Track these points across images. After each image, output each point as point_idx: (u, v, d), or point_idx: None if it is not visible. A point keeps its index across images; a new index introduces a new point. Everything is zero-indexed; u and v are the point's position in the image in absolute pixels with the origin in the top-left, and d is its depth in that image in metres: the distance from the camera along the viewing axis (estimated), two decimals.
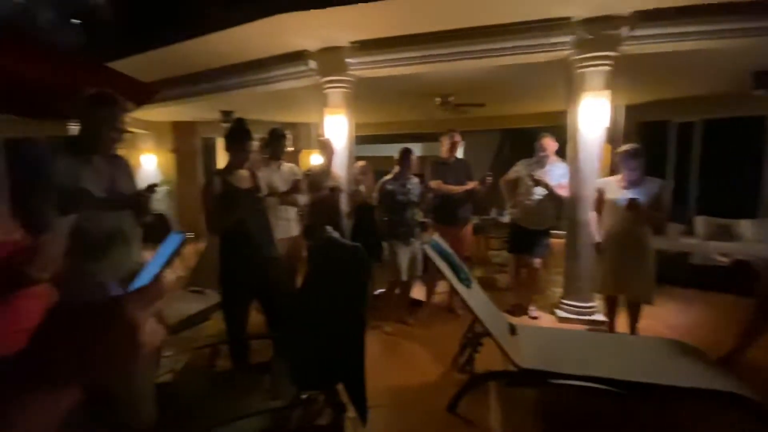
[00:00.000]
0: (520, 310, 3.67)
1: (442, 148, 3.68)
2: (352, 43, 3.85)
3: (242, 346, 2.14)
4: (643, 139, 5.31)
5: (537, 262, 3.55)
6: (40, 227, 1.45)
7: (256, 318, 2.39)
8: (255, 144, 2.08)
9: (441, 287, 3.81)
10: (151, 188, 1.79)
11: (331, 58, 3.98)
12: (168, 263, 0.43)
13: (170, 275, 0.41)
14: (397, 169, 3.35)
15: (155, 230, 5.22)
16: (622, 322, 3.04)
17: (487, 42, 3.53)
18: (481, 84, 4.70)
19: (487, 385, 2.39)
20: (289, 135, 3.05)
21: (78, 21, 5.74)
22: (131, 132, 1.75)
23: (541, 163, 3.46)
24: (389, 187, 3.29)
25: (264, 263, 2.11)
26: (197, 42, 3.94)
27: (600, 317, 3.40)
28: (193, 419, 1.54)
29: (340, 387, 1.58)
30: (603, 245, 2.88)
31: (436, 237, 2.86)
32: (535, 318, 3.61)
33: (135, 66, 4.56)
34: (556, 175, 3.44)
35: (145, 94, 2.60)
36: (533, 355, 2.15)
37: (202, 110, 6.22)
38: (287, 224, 3.01)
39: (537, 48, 3.46)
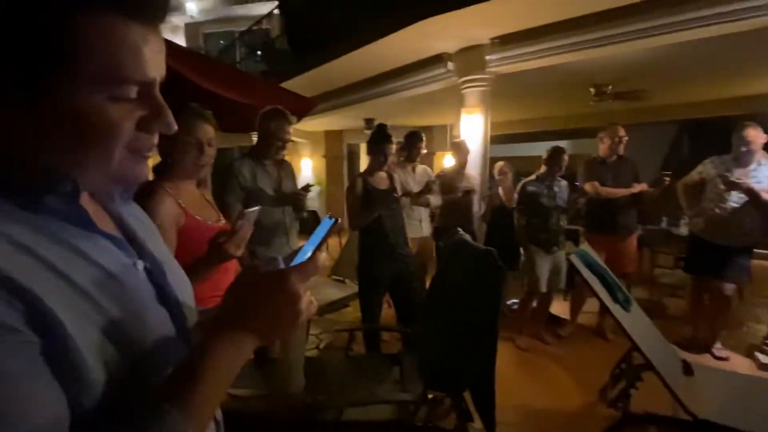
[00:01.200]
0: (699, 345, 2.92)
1: (601, 146, 3.16)
2: (493, 39, 3.70)
3: (375, 335, 2.29)
4: None
5: (728, 287, 2.77)
6: (229, 216, 1.84)
7: (388, 311, 2.53)
8: (393, 147, 2.20)
9: (589, 306, 3.33)
10: (307, 188, 2.07)
11: (470, 58, 3.92)
12: (322, 244, 0.48)
13: (323, 255, 0.46)
14: (543, 169, 3.05)
15: (309, 224, 6.01)
16: None
17: (663, 16, 2.92)
18: (648, 68, 3.93)
19: (645, 429, 1.97)
20: (424, 138, 3.11)
21: (260, 52, 7.13)
22: (294, 141, 2.05)
23: (743, 160, 2.66)
24: (531, 188, 3.03)
25: (397, 259, 2.21)
26: (349, 57, 4.38)
27: None
28: (331, 394, 1.71)
29: (468, 395, 1.53)
30: None
31: (585, 246, 2.51)
32: (722, 359, 2.83)
33: (301, 84, 5.40)
34: (764, 176, 2.62)
35: (306, 107, 3.03)
36: (716, 405, 1.68)
37: (349, 119, 6.91)
38: (418, 224, 3.08)
39: (738, 14, 2.69)
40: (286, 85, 5.42)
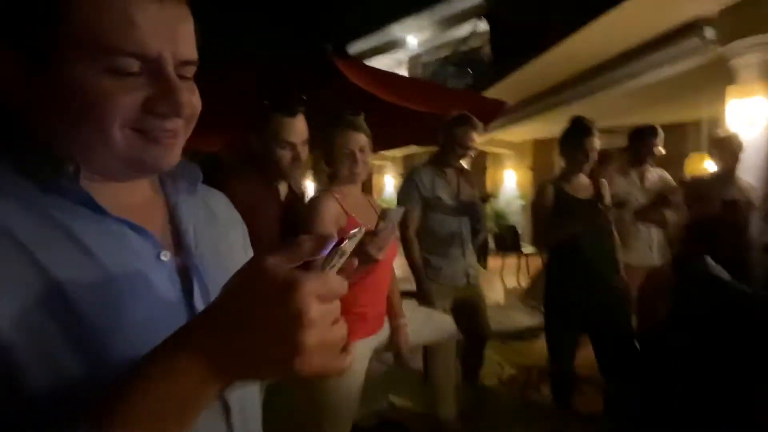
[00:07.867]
0: None
1: None
2: None
3: (565, 382, 1.83)
4: None
5: None
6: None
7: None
8: (596, 141, 1.71)
9: None
10: (485, 198, 1.87)
11: (747, 13, 2.75)
12: (334, 248, 0.31)
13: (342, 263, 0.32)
14: None
15: (506, 240, 5.64)
16: None
17: None
18: None
19: None
20: (660, 132, 2.34)
21: (468, 69, 7.31)
22: (477, 149, 1.91)
23: None
24: None
25: (600, 292, 1.71)
26: (561, 47, 3.82)
27: None
28: None
29: None
30: None
31: None
32: None
33: (503, 90, 5.15)
34: None
35: (494, 110, 2.83)
36: None
37: (563, 124, 6.10)
38: (647, 250, 2.32)
39: None
40: (488, 93, 5.29)
